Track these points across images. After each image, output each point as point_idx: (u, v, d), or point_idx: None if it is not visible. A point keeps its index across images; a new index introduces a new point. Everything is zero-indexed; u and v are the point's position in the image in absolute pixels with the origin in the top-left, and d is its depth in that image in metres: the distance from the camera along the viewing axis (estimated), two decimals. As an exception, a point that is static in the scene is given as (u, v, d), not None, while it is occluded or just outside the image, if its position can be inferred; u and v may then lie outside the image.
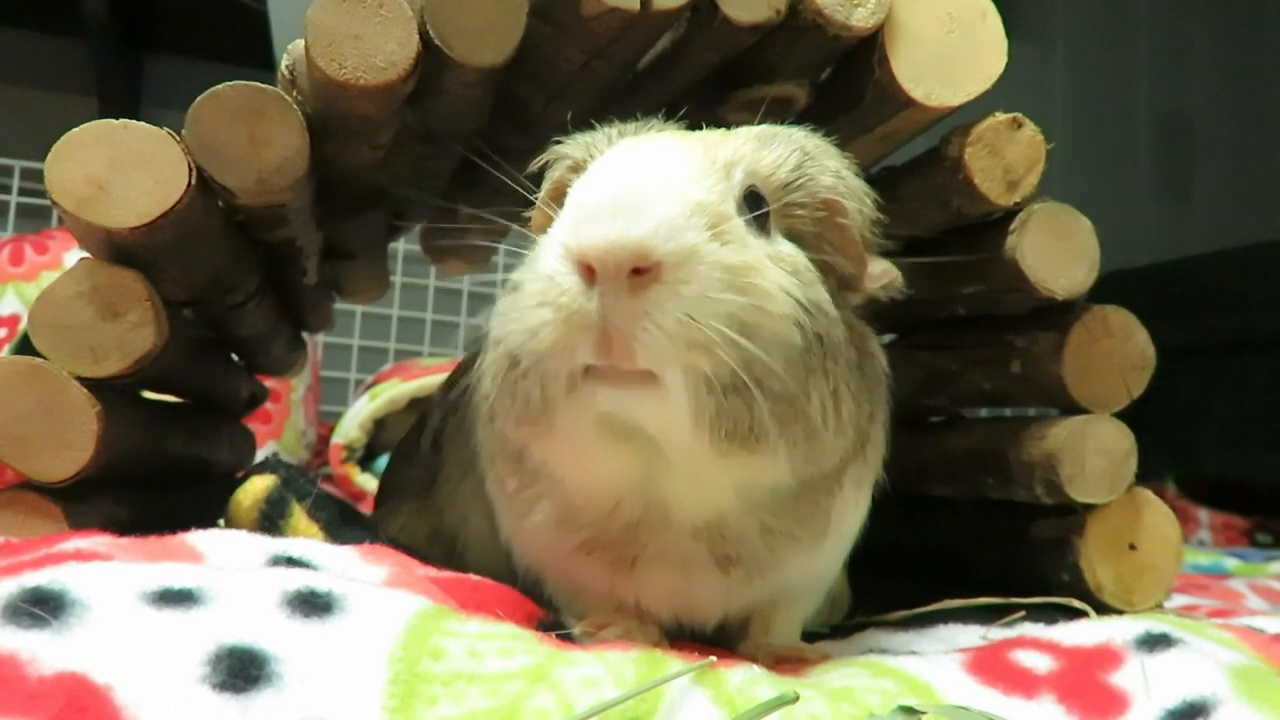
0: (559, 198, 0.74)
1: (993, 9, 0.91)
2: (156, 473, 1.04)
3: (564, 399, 0.66)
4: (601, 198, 0.64)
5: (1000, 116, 0.91)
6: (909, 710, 0.59)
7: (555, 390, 0.66)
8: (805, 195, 0.74)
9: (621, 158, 0.70)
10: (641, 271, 0.62)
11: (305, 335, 1.59)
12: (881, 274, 0.78)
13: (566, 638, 0.68)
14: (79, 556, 0.63)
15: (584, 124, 0.80)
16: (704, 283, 0.63)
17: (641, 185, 0.64)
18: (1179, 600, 1.31)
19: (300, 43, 0.83)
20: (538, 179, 0.81)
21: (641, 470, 0.69)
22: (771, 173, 0.73)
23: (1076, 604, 0.93)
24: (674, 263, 0.62)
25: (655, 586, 0.76)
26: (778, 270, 0.68)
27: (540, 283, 0.65)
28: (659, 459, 0.68)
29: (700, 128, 0.78)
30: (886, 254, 0.81)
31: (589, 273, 0.62)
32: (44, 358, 0.80)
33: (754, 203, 0.71)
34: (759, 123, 0.78)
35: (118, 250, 0.82)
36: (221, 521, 0.96)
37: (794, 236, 0.74)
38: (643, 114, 0.81)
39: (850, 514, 0.82)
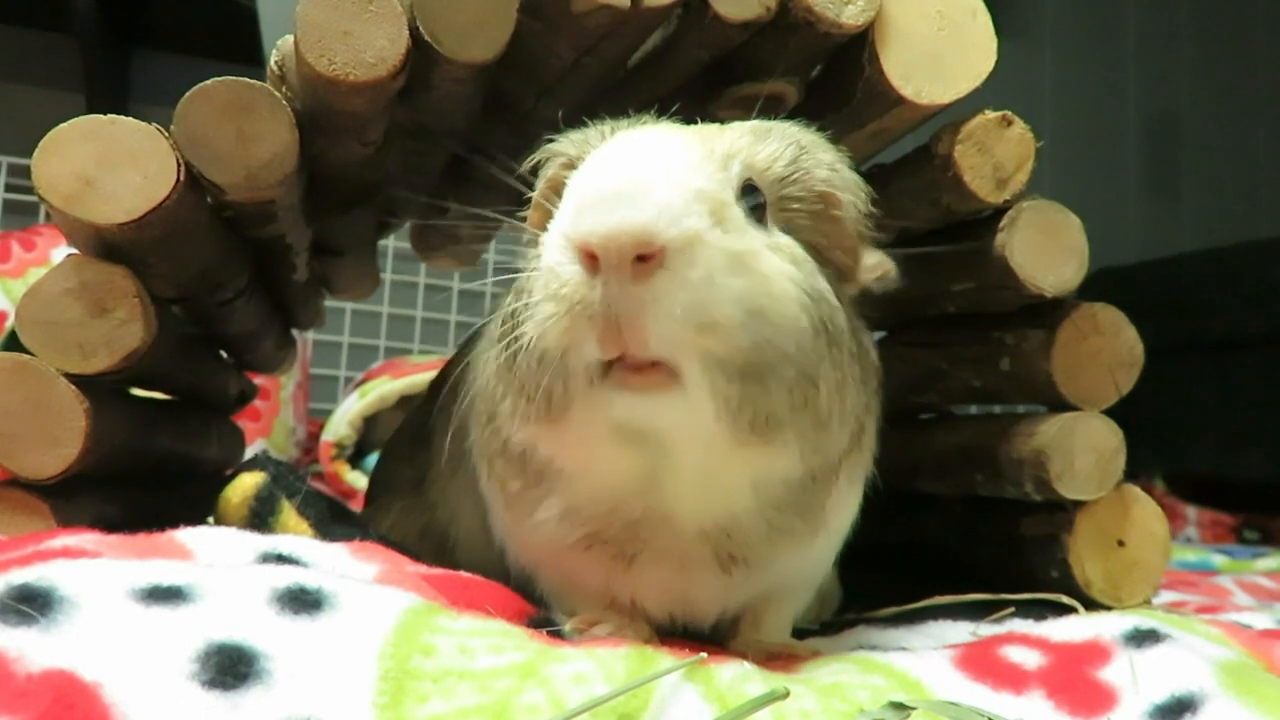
0: (555, 194, 0.74)
1: (982, 7, 0.91)
2: (145, 470, 1.03)
3: (582, 395, 0.65)
4: (602, 186, 0.63)
5: (990, 114, 0.92)
6: (899, 706, 0.59)
7: (576, 388, 0.65)
8: (801, 189, 0.74)
9: (620, 148, 0.69)
10: (645, 258, 0.61)
11: (295, 332, 1.58)
12: (876, 265, 0.78)
13: (557, 634, 0.68)
14: (67, 554, 0.62)
15: (575, 121, 0.80)
16: (709, 267, 0.62)
17: (641, 173, 0.63)
18: (1167, 597, 1.32)
19: (290, 38, 0.82)
20: (529, 176, 0.81)
21: (646, 472, 0.69)
22: (768, 166, 0.73)
23: (1065, 600, 0.93)
24: (678, 248, 0.61)
25: (653, 584, 0.75)
26: (778, 259, 0.68)
27: (543, 276, 0.65)
28: (665, 461, 0.68)
29: (693, 124, 0.78)
30: (877, 248, 0.81)
31: (591, 261, 0.62)
32: (31, 354, 0.80)
33: (751, 195, 0.71)
34: (753, 119, 0.78)
35: (106, 246, 0.81)
36: (211, 519, 0.96)
37: (790, 230, 0.74)
38: (634, 111, 0.81)
39: (843, 508, 0.82)
